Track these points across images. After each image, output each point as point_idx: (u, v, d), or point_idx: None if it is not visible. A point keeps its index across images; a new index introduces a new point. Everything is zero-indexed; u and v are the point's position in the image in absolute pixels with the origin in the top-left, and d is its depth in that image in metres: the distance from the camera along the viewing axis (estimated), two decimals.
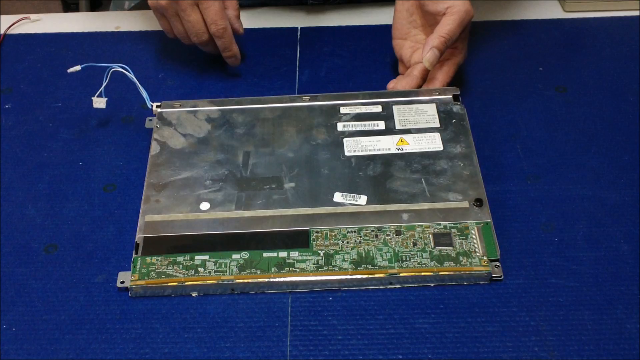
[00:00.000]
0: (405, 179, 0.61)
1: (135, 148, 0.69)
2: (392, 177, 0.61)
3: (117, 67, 0.69)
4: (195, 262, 0.57)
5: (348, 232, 0.58)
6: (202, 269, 0.56)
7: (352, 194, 0.60)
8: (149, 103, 0.68)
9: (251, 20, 0.85)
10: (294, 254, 0.57)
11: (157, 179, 0.62)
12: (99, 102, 0.71)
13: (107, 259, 0.59)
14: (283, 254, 0.57)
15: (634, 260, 0.57)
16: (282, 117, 0.67)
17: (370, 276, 0.55)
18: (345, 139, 0.64)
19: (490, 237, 0.57)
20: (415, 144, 0.64)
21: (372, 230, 0.58)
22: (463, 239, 0.57)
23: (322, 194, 0.60)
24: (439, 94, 0.68)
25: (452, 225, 0.58)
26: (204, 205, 0.60)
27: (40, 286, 0.57)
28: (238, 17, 0.76)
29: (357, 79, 0.76)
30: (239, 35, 0.77)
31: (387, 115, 0.66)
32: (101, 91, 0.70)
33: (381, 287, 0.56)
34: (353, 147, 0.64)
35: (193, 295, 0.56)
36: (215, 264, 0.56)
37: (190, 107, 0.68)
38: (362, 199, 0.60)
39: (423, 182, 0.61)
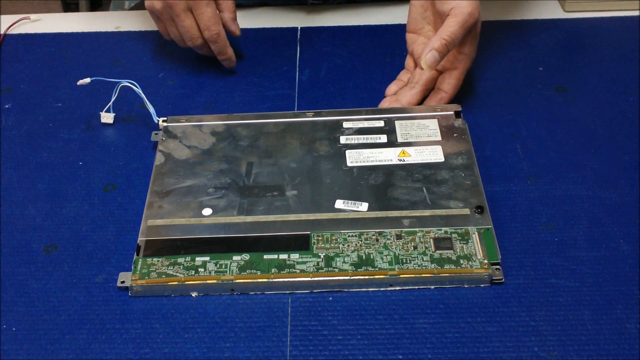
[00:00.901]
0: (406, 188, 0.61)
1: (135, 148, 0.69)
2: (393, 186, 0.62)
3: (125, 83, 0.69)
4: (195, 263, 0.57)
5: (349, 236, 0.58)
6: (202, 269, 0.56)
7: (353, 201, 0.60)
8: (155, 118, 0.69)
9: (251, 20, 0.85)
10: (295, 256, 0.57)
11: (161, 186, 0.63)
12: (107, 117, 0.71)
13: (107, 259, 0.59)
14: (283, 256, 0.57)
15: (634, 260, 0.57)
16: (286, 131, 0.67)
17: (370, 277, 0.55)
18: (347, 151, 0.65)
19: (492, 242, 0.57)
20: (417, 155, 0.64)
21: (373, 235, 0.58)
22: (464, 244, 0.57)
23: (324, 201, 0.61)
24: (441, 110, 0.68)
25: (453, 230, 0.58)
26: (206, 211, 0.60)
27: (40, 286, 0.57)
28: (234, 19, 0.76)
29: (357, 79, 0.76)
30: (236, 37, 0.77)
31: (389, 129, 0.67)
32: (109, 106, 0.70)
33: (381, 289, 0.56)
34: (355, 158, 0.64)
35: (193, 295, 0.56)
36: (215, 265, 0.56)
37: (196, 121, 0.69)
38: (364, 206, 0.60)
39: (424, 190, 0.61)
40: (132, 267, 0.57)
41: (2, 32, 0.84)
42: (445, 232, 0.58)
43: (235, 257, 0.57)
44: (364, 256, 0.57)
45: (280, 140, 0.67)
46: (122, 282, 0.56)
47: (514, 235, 0.59)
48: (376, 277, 0.55)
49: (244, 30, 0.83)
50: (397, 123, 0.67)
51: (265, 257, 0.57)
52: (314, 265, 0.56)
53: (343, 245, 0.57)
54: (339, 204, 0.60)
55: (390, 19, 0.84)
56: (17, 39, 0.83)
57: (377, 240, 0.58)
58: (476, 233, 0.57)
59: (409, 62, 0.74)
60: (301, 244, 0.58)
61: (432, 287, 0.56)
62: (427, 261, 0.56)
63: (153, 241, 0.58)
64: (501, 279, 0.55)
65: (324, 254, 0.57)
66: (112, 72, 0.77)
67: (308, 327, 0.54)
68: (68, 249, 0.60)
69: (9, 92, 0.76)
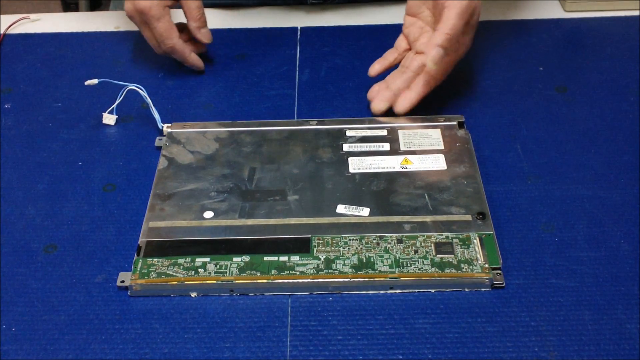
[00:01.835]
0: (408, 194, 0.61)
1: (135, 148, 0.69)
2: (395, 192, 0.62)
3: (132, 87, 0.69)
4: (195, 263, 0.57)
5: (350, 239, 0.58)
6: (202, 270, 0.56)
7: (354, 206, 0.60)
8: (159, 124, 0.69)
9: (251, 20, 0.85)
10: (295, 258, 0.57)
11: (163, 189, 0.63)
12: (109, 119, 0.71)
13: (106, 259, 0.59)
14: (284, 258, 0.57)
15: (634, 260, 0.57)
16: (289, 138, 0.68)
17: (370, 280, 0.55)
18: (350, 158, 0.65)
19: (493, 247, 0.57)
20: (420, 163, 0.64)
21: (374, 239, 0.58)
22: (465, 248, 0.57)
23: (325, 206, 0.61)
24: (445, 121, 0.68)
25: (454, 235, 0.58)
26: (208, 214, 0.60)
27: (40, 286, 0.57)
28: (200, 27, 0.76)
29: (357, 79, 0.76)
30: (236, 37, 0.77)
31: (392, 138, 0.67)
32: (113, 108, 0.70)
33: (381, 292, 0.56)
34: (357, 164, 0.64)
35: (192, 295, 0.56)
36: (215, 266, 0.56)
37: (200, 128, 0.69)
38: (365, 211, 0.60)
39: (426, 197, 0.61)
40: (132, 267, 0.57)
41: (2, 32, 0.84)
42: (447, 237, 0.58)
43: (235, 259, 0.57)
44: (364, 259, 0.57)
45: (283, 147, 0.67)
46: (122, 281, 0.56)
47: (514, 235, 0.59)
48: (376, 279, 0.55)
49: (244, 30, 0.83)
50: (400, 132, 0.67)
51: (265, 258, 0.57)
52: (314, 268, 0.56)
53: (343, 248, 0.57)
54: (341, 208, 0.61)
55: (390, 19, 0.84)
56: (17, 39, 0.83)
57: (378, 244, 0.58)
58: (477, 238, 0.57)
59: (400, 42, 0.73)
60: (302, 246, 0.58)
61: (433, 290, 0.56)
62: (428, 265, 0.56)
63: (154, 242, 0.58)
64: (502, 284, 0.55)
65: (324, 257, 0.57)
66: (112, 72, 0.77)
67: (308, 327, 0.54)
68: (68, 249, 0.60)
69: (9, 92, 0.76)
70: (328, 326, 0.54)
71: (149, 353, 0.52)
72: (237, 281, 0.55)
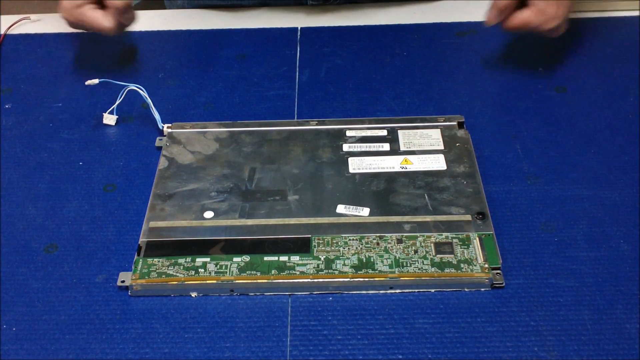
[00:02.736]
0: (408, 194, 0.61)
1: (135, 148, 0.69)
2: (395, 192, 0.62)
3: (133, 87, 0.69)
4: (195, 263, 0.57)
5: (350, 239, 0.58)
6: (202, 270, 0.56)
7: (354, 206, 0.60)
8: (160, 124, 0.69)
9: (251, 20, 0.85)
10: (295, 258, 0.57)
11: (164, 190, 0.63)
12: (109, 119, 0.71)
13: (107, 259, 0.59)
14: (284, 258, 0.57)
15: (634, 260, 0.57)
16: (289, 138, 0.68)
17: (370, 280, 0.55)
18: (350, 158, 0.65)
19: (492, 247, 0.57)
20: (419, 163, 0.64)
21: (374, 239, 0.58)
22: (465, 248, 0.57)
23: (325, 206, 0.61)
24: (444, 121, 0.68)
25: (454, 235, 0.58)
26: (208, 214, 0.60)
27: (40, 286, 0.57)
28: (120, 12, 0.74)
29: (357, 79, 0.76)
30: (235, 37, 0.76)
31: (392, 138, 0.67)
32: (113, 109, 0.70)
33: (381, 292, 0.56)
34: (357, 165, 0.64)
35: (193, 295, 0.56)
36: (216, 266, 0.56)
37: (200, 128, 0.69)
38: (365, 211, 0.60)
39: (426, 197, 0.61)
40: (133, 267, 0.57)
41: (2, 32, 0.84)
42: (446, 237, 0.58)
43: (235, 259, 0.57)
44: (364, 259, 0.57)
45: (283, 147, 0.67)
46: (122, 281, 0.56)
47: (513, 235, 0.59)
48: (376, 279, 0.55)
49: (244, 30, 0.83)
50: (400, 132, 0.67)
51: (265, 258, 0.57)
52: (314, 267, 0.56)
53: (343, 248, 0.57)
54: (341, 208, 0.61)
55: (390, 19, 0.84)
56: (17, 39, 0.83)
57: (378, 244, 0.58)
58: (477, 238, 0.58)
59: None
60: (302, 246, 0.58)
61: (433, 290, 0.56)
62: (428, 265, 0.56)
63: (154, 242, 0.58)
64: (502, 283, 0.55)
65: (324, 257, 0.57)
66: (112, 72, 0.77)
67: (308, 327, 0.54)
68: (68, 249, 0.60)
69: (9, 92, 0.76)
70: (328, 326, 0.54)
71: (149, 353, 0.52)
72: (237, 281, 0.55)
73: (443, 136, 0.67)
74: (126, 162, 0.67)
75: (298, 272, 0.56)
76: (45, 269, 0.58)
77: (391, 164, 0.64)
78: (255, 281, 0.55)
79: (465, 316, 0.54)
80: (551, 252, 0.58)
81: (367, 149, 0.66)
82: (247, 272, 0.56)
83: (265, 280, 0.55)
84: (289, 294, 0.56)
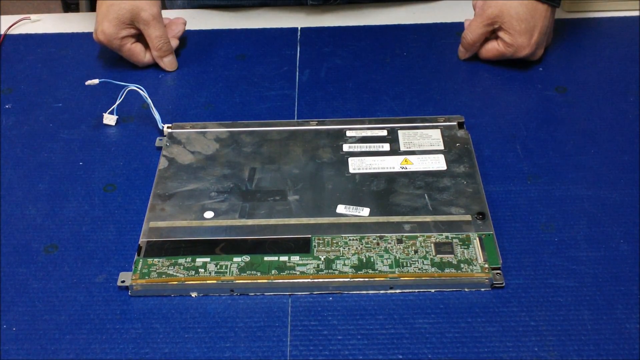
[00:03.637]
0: (408, 194, 0.61)
1: (135, 148, 0.69)
2: (395, 192, 0.62)
3: (133, 87, 0.69)
4: (196, 263, 0.57)
5: (350, 239, 0.58)
6: (202, 270, 0.56)
7: (354, 207, 0.60)
8: (160, 124, 0.69)
9: (251, 20, 0.85)
10: (295, 258, 0.57)
11: (164, 190, 0.63)
12: (110, 119, 0.71)
13: (107, 259, 0.59)
14: (284, 258, 0.57)
15: (634, 260, 0.57)
16: (289, 138, 0.68)
17: (370, 280, 0.55)
18: (350, 158, 0.65)
19: (492, 247, 0.57)
20: (419, 163, 0.64)
21: (374, 239, 0.58)
22: (465, 248, 0.57)
23: (325, 206, 0.61)
24: (444, 121, 0.68)
25: (454, 235, 0.58)
26: (208, 214, 0.60)
27: (40, 286, 0.57)
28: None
29: (357, 79, 0.76)
30: (235, 37, 0.77)
31: (392, 138, 0.67)
32: (114, 109, 0.70)
33: (381, 291, 0.56)
34: (357, 165, 0.64)
35: (193, 295, 0.56)
36: (215, 266, 0.56)
37: (200, 128, 0.69)
38: (365, 211, 0.60)
39: (426, 197, 0.61)
40: (133, 267, 0.57)
41: (2, 33, 0.84)
42: (446, 237, 0.58)
43: (235, 259, 0.57)
44: (364, 259, 0.57)
45: (283, 147, 0.67)
46: (123, 281, 0.56)
47: (513, 235, 0.59)
48: (376, 279, 0.55)
49: (244, 31, 0.83)
50: (400, 132, 0.67)
51: (265, 258, 0.57)
52: (314, 268, 0.56)
53: (344, 248, 0.57)
54: (341, 208, 0.61)
55: (390, 19, 0.85)
56: (17, 39, 0.83)
57: (378, 244, 0.58)
58: (477, 238, 0.58)
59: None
60: (302, 246, 0.58)
61: (433, 290, 0.56)
62: (428, 265, 0.56)
63: (154, 242, 0.58)
64: (502, 283, 0.55)
65: (324, 257, 0.57)
66: (111, 72, 0.77)
67: (308, 327, 0.54)
68: (68, 249, 0.60)
69: (9, 92, 0.76)
70: (328, 326, 0.54)
71: (149, 353, 0.52)
72: (237, 281, 0.55)
73: (443, 136, 0.67)
74: (126, 162, 0.67)
75: (298, 272, 0.56)
76: (45, 269, 0.58)
77: (391, 164, 0.64)
78: (255, 281, 0.56)
79: (465, 316, 0.54)
80: (551, 252, 0.58)
81: (367, 149, 0.66)
82: (247, 272, 0.56)
83: (266, 280, 0.55)
84: (289, 294, 0.56)
